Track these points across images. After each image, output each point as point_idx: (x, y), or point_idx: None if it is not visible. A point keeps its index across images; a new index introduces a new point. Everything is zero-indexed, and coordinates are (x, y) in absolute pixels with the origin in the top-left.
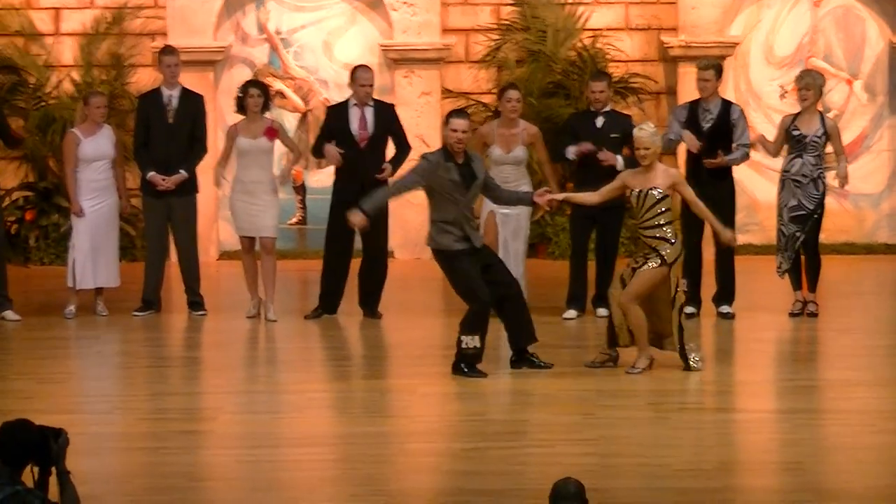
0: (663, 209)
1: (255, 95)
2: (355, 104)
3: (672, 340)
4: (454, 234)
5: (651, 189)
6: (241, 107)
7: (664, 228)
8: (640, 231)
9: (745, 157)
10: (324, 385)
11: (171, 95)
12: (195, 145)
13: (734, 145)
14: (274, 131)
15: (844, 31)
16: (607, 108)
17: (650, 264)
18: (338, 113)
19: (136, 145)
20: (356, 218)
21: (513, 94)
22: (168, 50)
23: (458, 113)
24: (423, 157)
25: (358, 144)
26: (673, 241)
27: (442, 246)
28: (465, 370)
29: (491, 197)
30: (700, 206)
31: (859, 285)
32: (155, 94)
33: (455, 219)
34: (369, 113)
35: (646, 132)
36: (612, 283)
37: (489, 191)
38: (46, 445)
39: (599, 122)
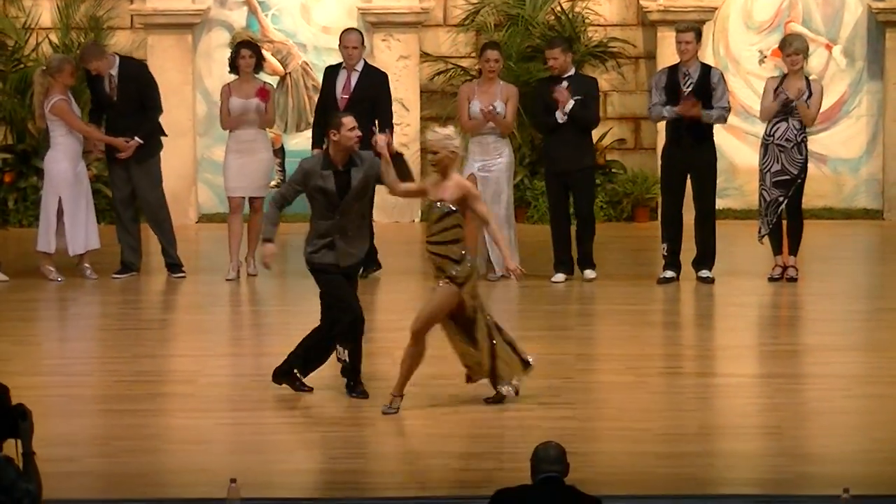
0: (452, 225)
1: (247, 56)
2: (344, 67)
3: (485, 368)
4: (320, 246)
5: (438, 201)
6: (234, 67)
7: (450, 246)
8: (427, 245)
9: (723, 118)
10: None
11: (111, 75)
12: (147, 113)
13: (714, 107)
14: (266, 92)
15: None
16: (570, 73)
17: (440, 284)
18: (330, 75)
19: (91, 110)
20: (267, 251)
21: (491, 54)
22: (83, 59)
23: (346, 112)
24: (300, 163)
25: (339, 107)
26: (459, 261)
27: (311, 260)
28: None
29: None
30: (493, 227)
31: (838, 250)
32: (96, 76)
33: (326, 231)
34: (354, 77)
35: (437, 135)
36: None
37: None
38: (18, 416)
39: (565, 85)
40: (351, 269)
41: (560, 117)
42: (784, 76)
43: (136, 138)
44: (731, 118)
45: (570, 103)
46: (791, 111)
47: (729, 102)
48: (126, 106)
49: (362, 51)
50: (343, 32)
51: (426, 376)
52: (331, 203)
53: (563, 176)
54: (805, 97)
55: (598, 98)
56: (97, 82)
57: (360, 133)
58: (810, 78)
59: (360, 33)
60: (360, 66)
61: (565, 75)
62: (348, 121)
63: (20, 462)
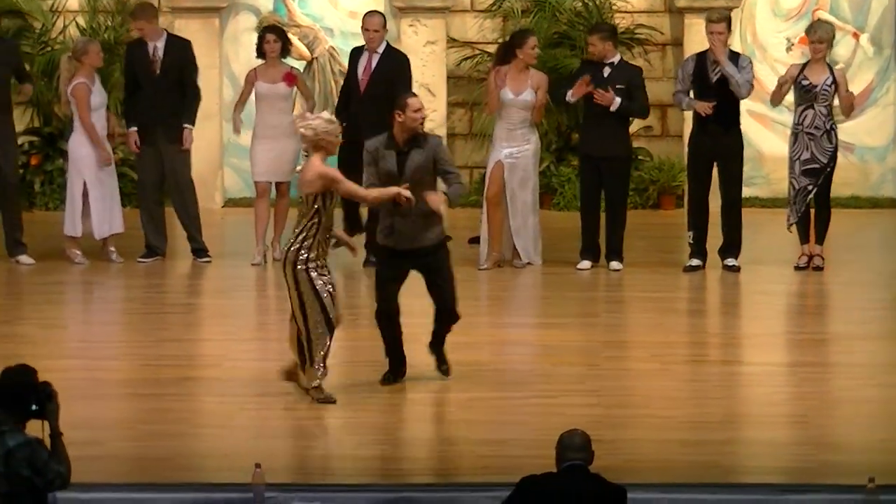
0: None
1: (272, 41)
2: (366, 49)
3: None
4: (383, 225)
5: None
6: (260, 52)
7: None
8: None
9: (748, 84)
10: None
11: (157, 46)
12: (188, 93)
13: None
14: (293, 77)
15: None
16: (615, 59)
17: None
18: (353, 56)
19: (125, 96)
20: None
21: (535, 40)
22: (134, 14)
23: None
24: (365, 146)
25: (359, 89)
26: None
27: (377, 239)
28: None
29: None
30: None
31: (864, 239)
32: (140, 44)
33: (388, 213)
34: (375, 59)
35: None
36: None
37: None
38: (45, 397)
39: (606, 72)
40: (415, 254)
41: (569, 97)
42: (806, 63)
43: (186, 125)
44: (758, 106)
45: (617, 101)
46: (815, 97)
47: (753, 80)
48: (165, 82)
49: (384, 34)
50: (365, 15)
51: (452, 363)
52: (391, 184)
53: (598, 162)
54: (828, 83)
55: (642, 86)
56: (139, 52)
57: (425, 114)
58: (835, 68)
59: (383, 16)
60: (381, 49)
61: (607, 62)
62: (413, 102)
63: (48, 443)
